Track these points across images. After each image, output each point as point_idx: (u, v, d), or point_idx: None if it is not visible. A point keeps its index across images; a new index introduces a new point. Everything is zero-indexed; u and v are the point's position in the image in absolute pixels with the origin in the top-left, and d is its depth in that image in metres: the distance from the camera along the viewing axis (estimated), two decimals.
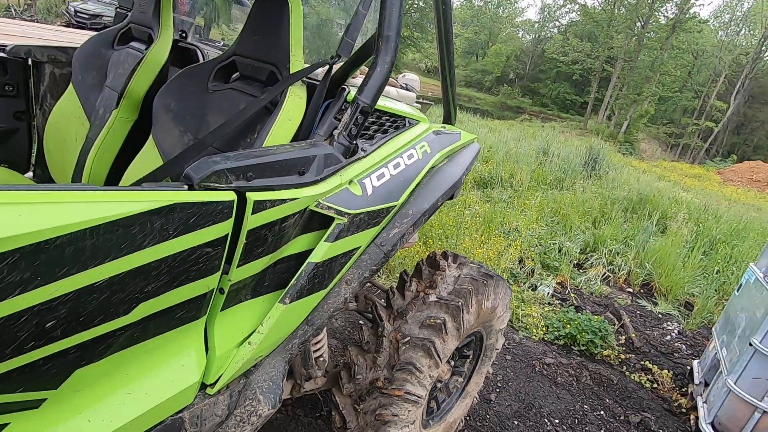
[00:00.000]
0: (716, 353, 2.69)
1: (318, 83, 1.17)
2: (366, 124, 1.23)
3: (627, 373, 3.03)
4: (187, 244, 0.76)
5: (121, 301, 0.72)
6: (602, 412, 2.57)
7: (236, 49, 1.30)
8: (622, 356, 3.20)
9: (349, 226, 1.07)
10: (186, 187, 0.78)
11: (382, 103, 1.29)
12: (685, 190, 12.08)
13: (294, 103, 1.08)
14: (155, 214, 0.69)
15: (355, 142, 1.09)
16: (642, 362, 3.21)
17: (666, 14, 31.04)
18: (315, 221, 1.06)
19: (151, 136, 1.37)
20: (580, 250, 5.16)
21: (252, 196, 0.85)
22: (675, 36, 29.63)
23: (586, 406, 2.59)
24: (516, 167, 7.77)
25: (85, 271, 0.65)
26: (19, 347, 0.63)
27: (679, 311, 4.35)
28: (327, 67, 1.12)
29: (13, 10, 11.29)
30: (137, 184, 1.37)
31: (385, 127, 1.26)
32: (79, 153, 1.74)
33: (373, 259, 1.19)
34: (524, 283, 4.05)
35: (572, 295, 4.10)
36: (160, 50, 1.57)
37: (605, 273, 4.82)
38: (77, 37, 6.13)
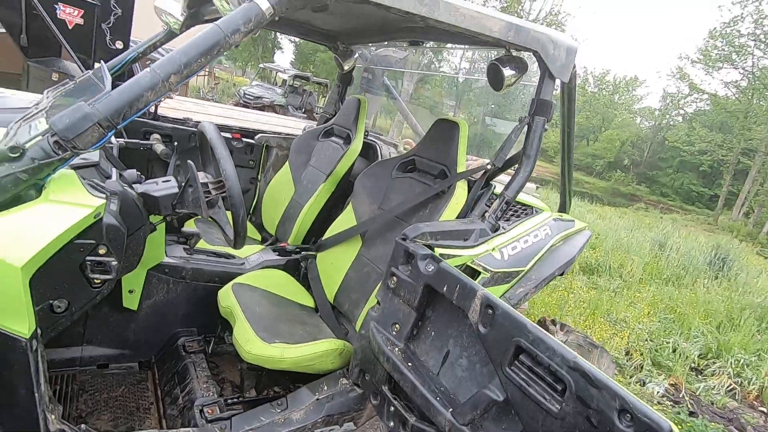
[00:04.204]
0: None
1: (473, 179, 1.71)
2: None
3: None
4: None
5: None
6: None
7: (417, 151, 1.91)
8: None
9: (490, 280, 1.52)
10: None
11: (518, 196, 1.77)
12: None
13: (460, 193, 1.62)
14: None
15: (499, 222, 1.57)
16: None
17: None
18: (468, 274, 1.53)
19: (350, 204, 2.01)
20: (700, 354, 4.78)
21: (438, 250, 1.36)
22: None
23: None
24: (627, 257, 7.50)
25: None
26: None
27: None
28: (483, 171, 1.66)
29: (202, 92, 14.79)
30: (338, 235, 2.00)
31: (518, 213, 1.73)
32: (284, 209, 2.49)
33: None
34: (630, 377, 3.93)
35: (687, 398, 3.84)
36: (356, 146, 2.29)
37: (731, 384, 4.38)
38: (242, 115, 7.90)
